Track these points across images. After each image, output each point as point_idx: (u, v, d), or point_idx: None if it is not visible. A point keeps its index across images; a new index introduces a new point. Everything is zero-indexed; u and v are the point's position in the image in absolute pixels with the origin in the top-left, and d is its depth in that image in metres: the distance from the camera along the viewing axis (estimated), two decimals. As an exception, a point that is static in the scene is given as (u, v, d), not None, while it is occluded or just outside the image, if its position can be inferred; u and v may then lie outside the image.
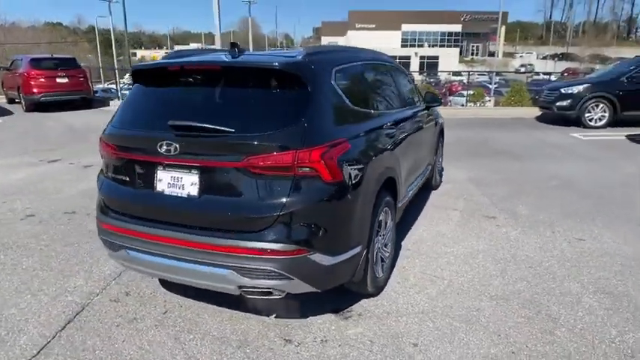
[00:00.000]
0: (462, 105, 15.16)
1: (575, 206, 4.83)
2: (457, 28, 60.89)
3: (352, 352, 2.47)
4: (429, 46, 59.40)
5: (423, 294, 3.06)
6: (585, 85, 9.90)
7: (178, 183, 2.42)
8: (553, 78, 26.33)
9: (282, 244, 2.25)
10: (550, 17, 64.85)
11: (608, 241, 3.90)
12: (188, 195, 2.39)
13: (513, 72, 38.16)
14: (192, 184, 2.38)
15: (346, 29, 62.38)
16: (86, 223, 4.37)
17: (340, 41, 72.00)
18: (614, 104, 9.60)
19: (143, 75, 2.84)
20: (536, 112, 12.03)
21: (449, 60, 51.94)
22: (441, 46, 59.77)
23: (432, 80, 28.19)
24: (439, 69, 48.98)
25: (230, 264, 2.31)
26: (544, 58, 56.78)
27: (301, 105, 2.37)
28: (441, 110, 5.69)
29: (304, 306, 2.83)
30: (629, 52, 48.22)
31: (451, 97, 20.06)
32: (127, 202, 2.62)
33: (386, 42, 54.80)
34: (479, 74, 33.86)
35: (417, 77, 41.97)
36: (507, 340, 2.55)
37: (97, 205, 2.84)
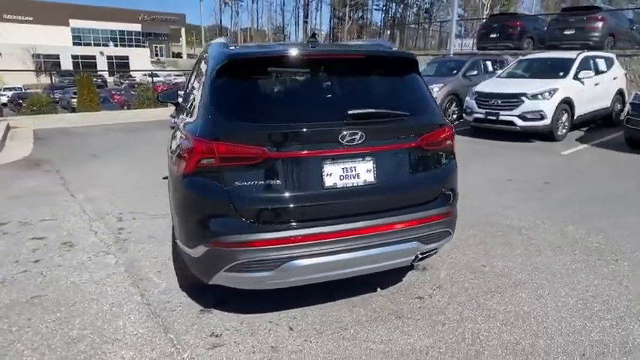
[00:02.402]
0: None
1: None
2: (137, 27, 58.97)
3: (465, 284, 3.20)
4: (115, 45, 55.24)
5: (435, 239, 3.98)
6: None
7: (352, 173, 2.47)
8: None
9: (448, 207, 2.77)
10: (221, 22, 71.67)
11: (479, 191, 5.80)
12: (365, 182, 2.49)
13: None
14: (367, 170, 2.49)
15: (-10, 20, 50.11)
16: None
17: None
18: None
19: (261, 64, 2.61)
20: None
21: (140, 60, 50.14)
22: (122, 45, 56.65)
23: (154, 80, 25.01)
24: (131, 69, 46.89)
25: (416, 235, 2.62)
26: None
27: (426, 88, 2.87)
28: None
29: (381, 275, 3.06)
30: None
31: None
32: (286, 207, 2.38)
33: (53, 38, 47.53)
34: (175, 75, 34.78)
35: (110, 78, 39.17)
36: (515, 243, 3.86)
37: (222, 227, 2.36)
